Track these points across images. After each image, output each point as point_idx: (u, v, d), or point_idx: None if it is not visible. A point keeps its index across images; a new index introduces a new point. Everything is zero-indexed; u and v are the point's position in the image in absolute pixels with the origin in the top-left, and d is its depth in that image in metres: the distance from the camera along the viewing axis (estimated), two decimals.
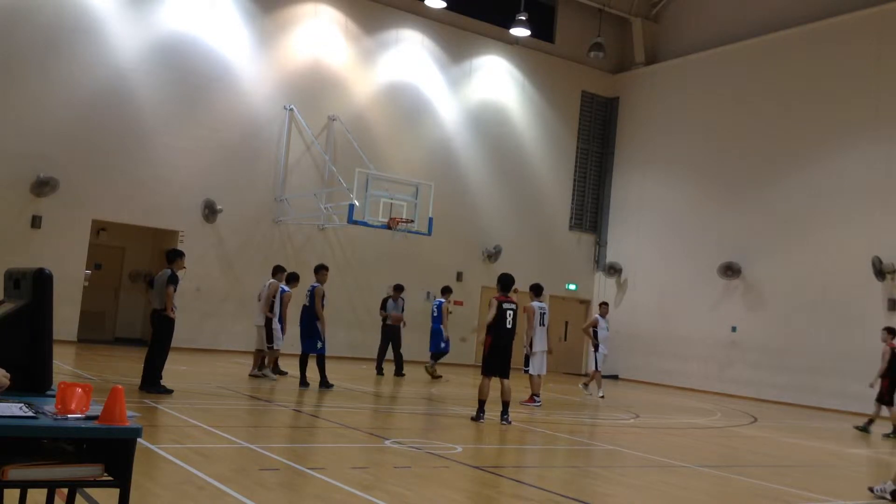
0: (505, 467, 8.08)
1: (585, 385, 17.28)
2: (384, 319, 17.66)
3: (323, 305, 13.43)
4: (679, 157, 24.34)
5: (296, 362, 14.24)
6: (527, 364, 13.87)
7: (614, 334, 25.16)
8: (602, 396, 16.66)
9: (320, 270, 13.76)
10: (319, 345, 13.29)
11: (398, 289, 17.70)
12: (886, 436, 13.88)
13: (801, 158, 21.04)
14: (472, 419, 10.65)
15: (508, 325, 10.63)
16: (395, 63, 22.68)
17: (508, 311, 10.65)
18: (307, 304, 13.40)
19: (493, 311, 10.65)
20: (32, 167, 17.57)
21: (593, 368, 16.88)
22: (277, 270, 14.55)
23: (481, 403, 10.69)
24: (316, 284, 13.47)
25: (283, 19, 21.13)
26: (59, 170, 17.83)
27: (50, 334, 3.23)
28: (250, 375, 14.14)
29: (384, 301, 18.00)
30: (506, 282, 10.89)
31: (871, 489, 7.47)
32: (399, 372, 17.33)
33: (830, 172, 20.32)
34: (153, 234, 20.17)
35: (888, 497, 7.23)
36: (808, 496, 7.68)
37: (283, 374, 14.83)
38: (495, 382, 10.77)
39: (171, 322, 10.96)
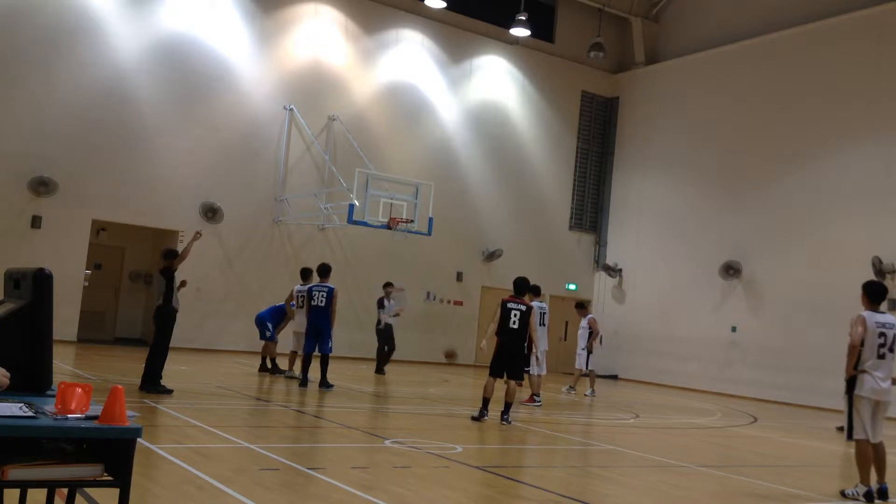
0: (505, 467, 8.08)
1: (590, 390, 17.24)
2: (378, 322, 17.66)
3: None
4: (679, 157, 24.34)
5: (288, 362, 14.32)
6: (528, 364, 13.87)
7: (613, 334, 25.29)
8: (566, 388, 16.86)
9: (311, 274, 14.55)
10: (329, 345, 13.38)
11: (389, 286, 17.86)
12: (840, 428, 13.97)
13: (801, 158, 21.04)
14: (474, 418, 10.65)
15: (513, 326, 10.65)
16: (395, 63, 22.67)
17: (513, 312, 10.68)
18: (321, 304, 13.37)
19: (497, 311, 10.85)
20: (32, 167, 17.58)
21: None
22: (307, 274, 14.74)
23: (484, 402, 10.70)
24: (330, 286, 13.59)
25: (283, 19, 21.13)
26: (59, 170, 17.84)
27: (50, 334, 3.23)
28: (286, 376, 14.50)
29: (380, 300, 17.90)
30: (517, 284, 11.04)
31: (843, 493, 7.45)
32: (382, 370, 17.48)
33: (830, 172, 20.32)
34: (153, 234, 20.15)
35: (861, 499, 7.27)
36: (808, 496, 7.68)
37: (281, 373, 14.85)
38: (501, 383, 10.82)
39: (168, 319, 10.94)
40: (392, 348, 17.70)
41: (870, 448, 7.35)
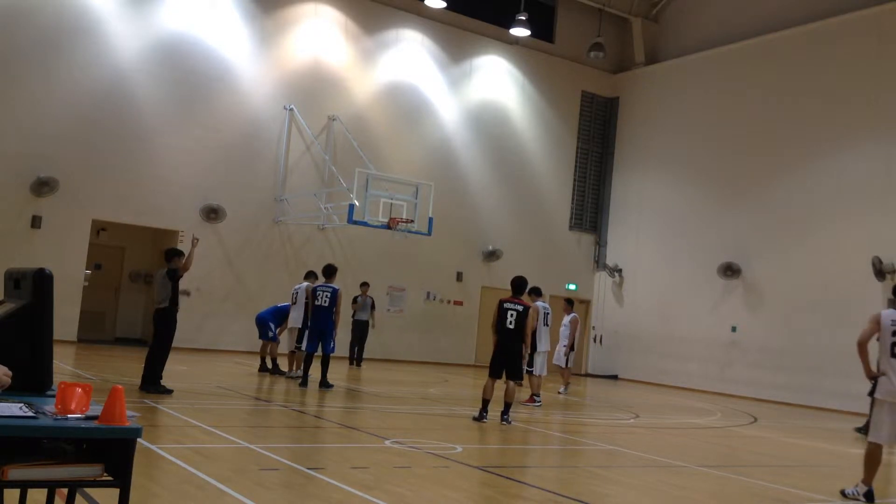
0: (505, 467, 8.08)
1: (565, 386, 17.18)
2: (353, 314, 19.00)
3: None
4: (679, 157, 24.34)
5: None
6: (530, 364, 13.86)
7: (613, 334, 25.31)
8: (560, 392, 16.71)
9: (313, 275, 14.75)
10: (332, 345, 13.41)
11: (364, 286, 19.26)
12: (859, 429, 13.80)
13: (801, 158, 21.04)
14: (474, 419, 10.65)
15: (509, 326, 10.64)
16: (395, 63, 22.67)
17: (510, 312, 10.67)
18: (325, 305, 13.37)
19: (495, 311, 10.85)
20: (32, 167, 17.57)
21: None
22: (310, 275, 14.88)
23: (484, 403, 10.69)
24: (335, 287, 13.63)
25: (283, 19, 21.12)
26: (59, 170, 17.83)
27: (50, 334, 3.23)
28: (287, 377, 14.48)
29: (354, 299, 19.12)
30: (515, 284, 11.01)
31: (843, 493, 7.39)
32: (359, 363, 19.11)
33: (830, 172, 20.32)
34: (153, 234, 20.16)
35: (861, 499, 7.22)
36: (808, 496, 7.68)
37: (282, 374, 14.86)
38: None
39: (172, 321, 10.94)
40: (364, 343, 19.28)
41: (879, 452, 7.26)
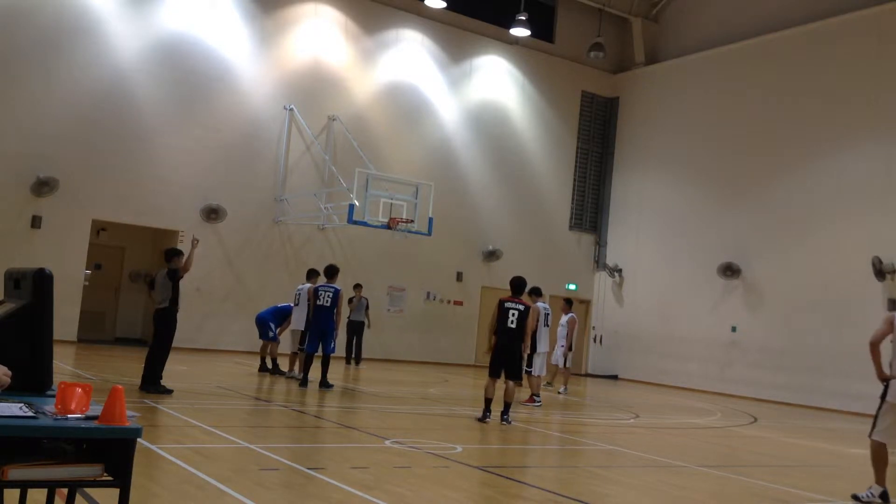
0: (505, 467, 8.08)
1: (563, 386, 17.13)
2: (349, 315, 19.12)
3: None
4: (679, 157, 24.34)
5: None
6: (530, 364, 13.85)
7: (613, 334, 25.31)
8: (561, 389, 16.60)
9: (316, 275, 14.52)
10: (333, 345, 13.40)
11: (358, 287, 19.39)
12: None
13: (801, 158, 21.04)
14: (478, 419, 10.63)
15: (511, 325, 10.62)
16: (395, 63, 22.67)
17: (511, 312, 10.66)
18: (326, 305, 13.36)
19: (494, 311, 10.84)
20: (32, 167, 17.57)
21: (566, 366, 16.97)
22: (312, 273, 14.79)
23: (486, 402, 10.67)
24: (336, 287, 13.61)
25: (283, 19, 21.13)
26: (59, 170, 17.83)
27: (50, 334, 3.23)
28: (287, 377, 14.46)
29: (349, 300, 19.13)
30: (514, 284, 10.99)
31: (855, 497, 7.28)
32: (358, 362, 19.28)
33: (830, 172, 20.32)
34: (153, 234, 20.17)
35: (878, 500, 7.13)
36: (808, 496, 7.68)
37: (282, 374, 14.87)
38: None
39: (173, 321, 10.95)
40: (360, 342, 19.48)
41: (884, 450, 7.17)
